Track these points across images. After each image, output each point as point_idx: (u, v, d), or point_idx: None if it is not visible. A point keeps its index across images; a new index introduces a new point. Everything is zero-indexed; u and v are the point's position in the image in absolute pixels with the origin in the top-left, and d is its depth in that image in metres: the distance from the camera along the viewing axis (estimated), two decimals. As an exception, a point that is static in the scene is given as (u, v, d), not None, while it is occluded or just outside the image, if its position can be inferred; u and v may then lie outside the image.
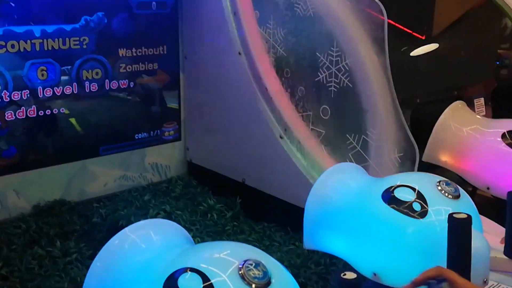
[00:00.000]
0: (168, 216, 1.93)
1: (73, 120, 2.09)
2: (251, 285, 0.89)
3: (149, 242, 1.02)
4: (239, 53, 1.99)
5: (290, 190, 1.86)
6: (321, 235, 1.28)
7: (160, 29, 2.26)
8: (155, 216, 1.91)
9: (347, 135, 1.69)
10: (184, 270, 0.93)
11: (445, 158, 1.88)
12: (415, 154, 1.56)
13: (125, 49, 2.18)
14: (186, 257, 0.97)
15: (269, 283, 0.90)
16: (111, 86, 2.17)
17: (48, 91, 2.01)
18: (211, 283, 0.90)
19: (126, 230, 1.04)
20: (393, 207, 1.14)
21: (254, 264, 0.91)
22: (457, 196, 1.15)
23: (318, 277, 1.50)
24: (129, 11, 2.16)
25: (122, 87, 2.20)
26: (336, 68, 1.69)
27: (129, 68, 2.21)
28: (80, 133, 2.13)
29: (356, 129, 1.67)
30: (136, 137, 2.28)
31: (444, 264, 1.05)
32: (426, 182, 1.18)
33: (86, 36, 2.06)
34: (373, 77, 1.62)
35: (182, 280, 0.92)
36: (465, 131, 1.88)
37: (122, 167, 2.24)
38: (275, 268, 0.94)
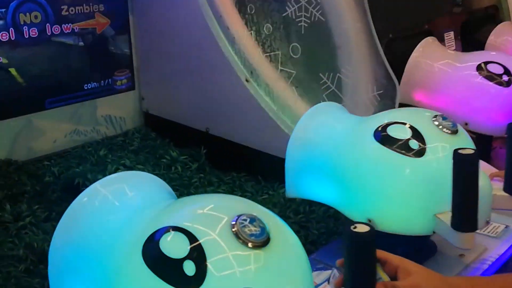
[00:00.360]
0: (129, 170, 1.78)
1: (13, 70, 1.87)
2: (247, 244, 0.76)
3: (124, 198, 0.89)
4: (196, -10, 1.81)
5: (259, 137, 1.74)
6: (306, 182, 1.18)
7: (104, -34, 2.04)
8: (114, 172, 1.76)
9: (320, 74, 1.58)
10: (166, 230, 0.80)
11: (419, 97, 1.82)
12: (396, 90, 1.47)
13: (66, -11, 1.97)
14: (167, 215, 0.84)
15: (268, 240, 0.78)
16: (53, 31, 1.95)
17: (-20, 38, 1.78)
18: (200, 244, 0.77)
19: (97, 185, 0.90)
20: (387, 147, 1.05)
21: (249, 220, 0.78)
22: (455, 131, 1.07)
23: (299, 226, 1.41)
24: None
25: (65, 31, 1.98)
26: (306, 1, 1.55)
27: (71, 11, 1.98)
28: (22, 84, 1.91)
29: (330, 67, 1.55)
30: (86, 88, 2.08)
31: (447, 206, 0.97)
32: (421, 118, 1.09)
33: (20, -26, 1.83)
34: (346, 9, 1.50)
35: (165, 242, 0.79)
36: (437, 67, 1.82)
37: (72, 121, 2.04)
38: (272, 222, 0.82)
